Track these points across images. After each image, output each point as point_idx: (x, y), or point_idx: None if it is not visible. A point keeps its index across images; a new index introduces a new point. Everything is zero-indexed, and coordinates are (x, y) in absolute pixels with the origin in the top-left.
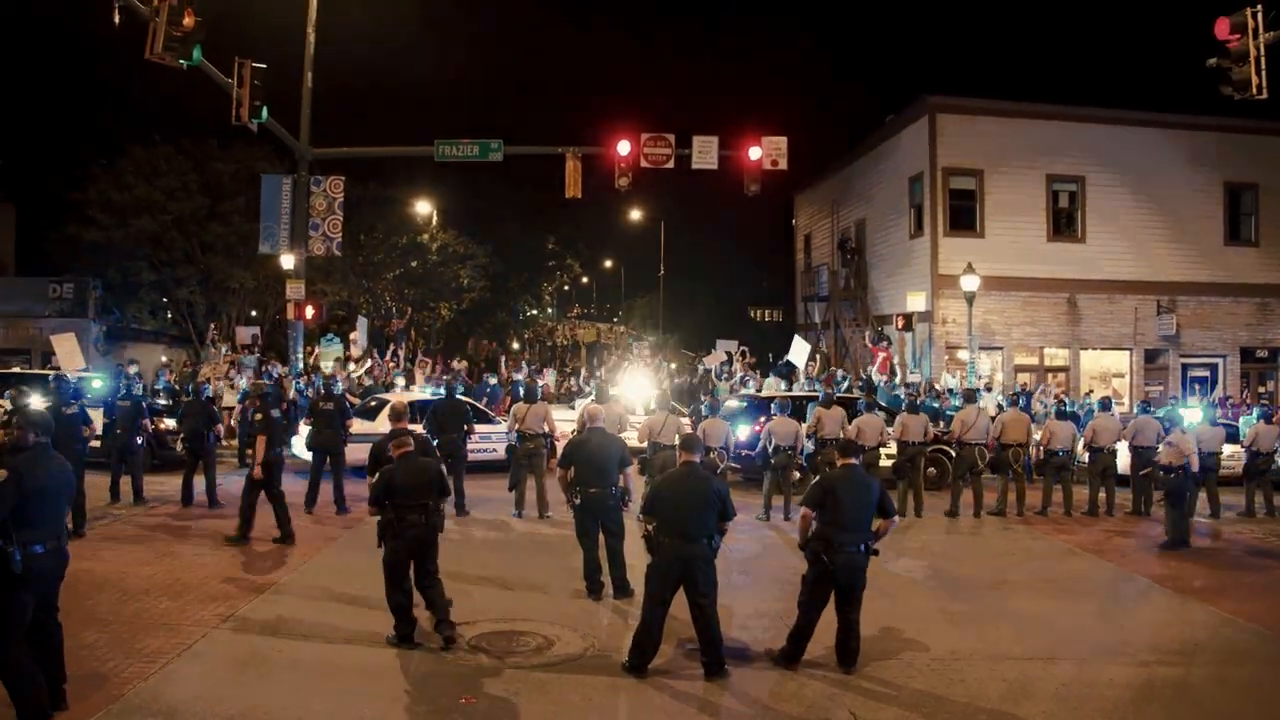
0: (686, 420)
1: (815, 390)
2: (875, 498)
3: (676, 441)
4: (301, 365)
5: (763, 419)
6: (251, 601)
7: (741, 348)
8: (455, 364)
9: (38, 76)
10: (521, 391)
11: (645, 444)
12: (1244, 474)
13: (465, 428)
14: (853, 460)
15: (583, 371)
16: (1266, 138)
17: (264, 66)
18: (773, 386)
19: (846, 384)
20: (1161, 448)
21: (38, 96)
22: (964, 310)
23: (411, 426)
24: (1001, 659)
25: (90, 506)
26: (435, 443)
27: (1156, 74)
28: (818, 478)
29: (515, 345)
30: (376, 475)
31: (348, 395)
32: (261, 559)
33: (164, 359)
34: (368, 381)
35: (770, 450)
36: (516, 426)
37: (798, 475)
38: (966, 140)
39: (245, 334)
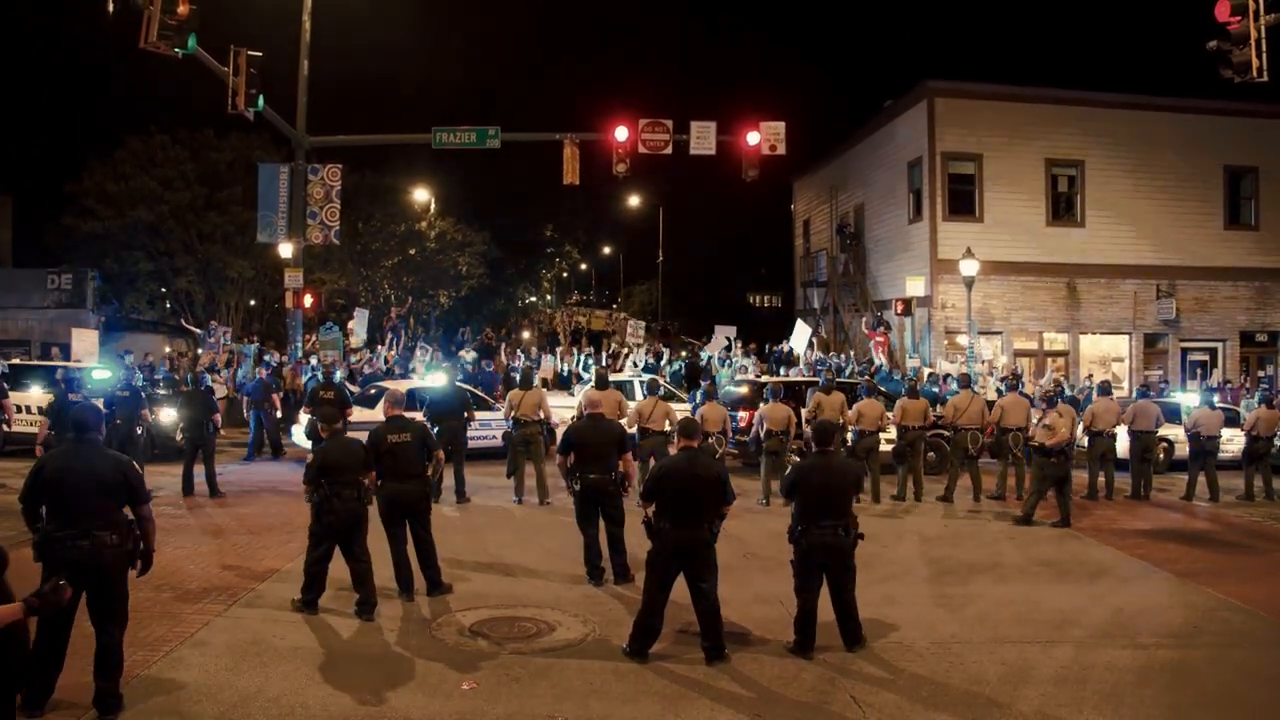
0: (679, 406)
1: (816, 375)
2: (853, 482)
3: (666, 427)
4: (300, 353)
5: (761, 404)
6: (253, 589)
7: (737, 339)
8: (464, 353)
9: (33, 68)
10: (517, 378)
11: (634, 430)
12: (1243, 458)
13: (466, 415)
14: (829, 447)
15: (580, 358)
16: (1266, 121)
17: (259, 55)
18: (748, 371)
19: (850, 369)
20: (1039, 430)
21: (33, 88)
22: (963, 295)
23: (411, 414)
24: (1000, 642)
25: None
26: (435, 430)
27: (1156, 57)
28: (791, 465)
29: (526, 334)
30: (310, 455)
31: (346, 384)
32: (262, 548)
33: (167, 349)
34: (367, 370)
35: (763, 435)
36: (512, 413)
37: (796, 460)
38: (965, 125)
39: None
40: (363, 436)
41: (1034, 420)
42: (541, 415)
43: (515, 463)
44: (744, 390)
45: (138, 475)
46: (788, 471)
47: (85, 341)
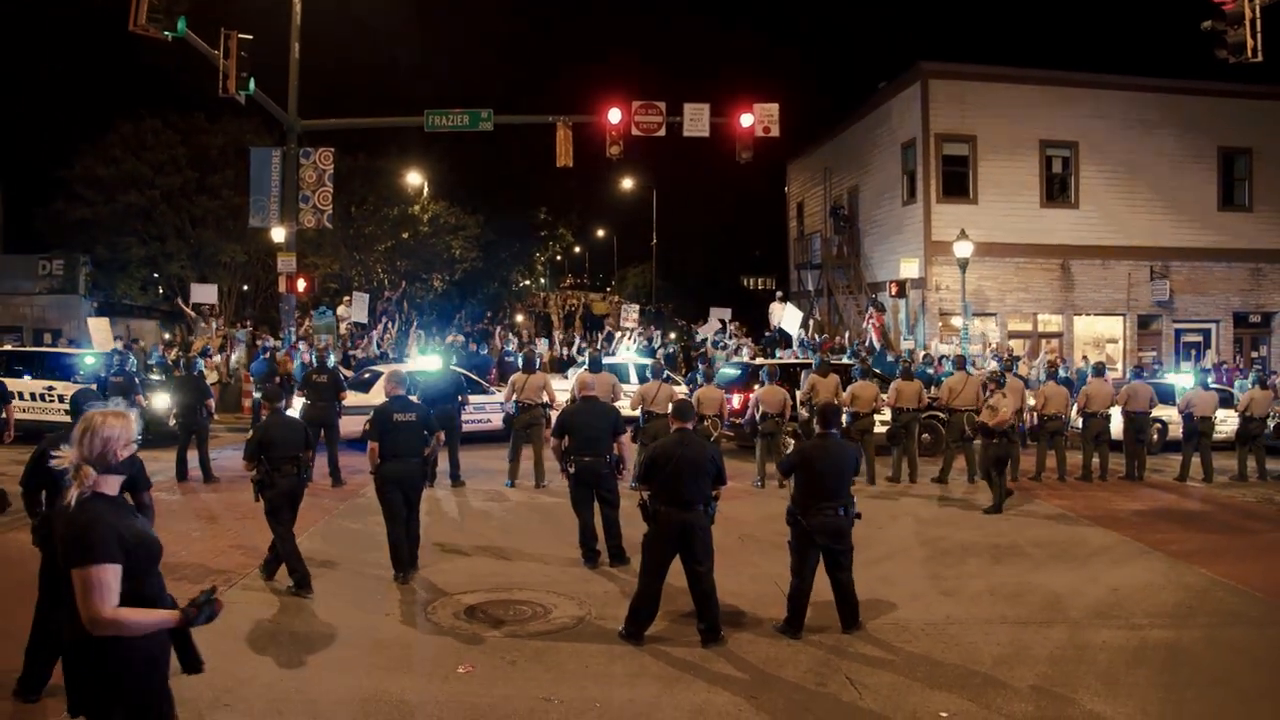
0: (680, 389)
1: (810, 357)
2: (853, 465)
3: (670, 410)
4: (294, 338)
5: (757, 387)
6: (248, 574)
7: (732, 321)
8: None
9: (22, 52)
10: (520, 362)
11: (639, 412)
12: (1236, 439)
13: (460, 398)
14: (832, 430)
15: (576, 340)
16: (1261, 102)
17: (250, 38)
18: (742, 353)
19: (849, 353)
20: (983, 410)
21: (23, 72)
22: (957, 277)
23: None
24: (995, 623)
25: None
26: (431, 412)
27: (1151, 38)
28: (792, 446)
29: (520, 317)
30: (250, 432)
31: (340, 368)
32: (257, 532)
33: (166, 335)
34: (360, 355)
35: (758, 418)
36: (515, 396)
37: (791, 443)
38: (959, 106)
39: (202, 292)
40: (357, 421)
41: (1029, 402)
42: (545, 398)
43: (516, 446)
44: (739, 373)
45: (139, 461)
46: (789, 451)
47: (101, 331)
